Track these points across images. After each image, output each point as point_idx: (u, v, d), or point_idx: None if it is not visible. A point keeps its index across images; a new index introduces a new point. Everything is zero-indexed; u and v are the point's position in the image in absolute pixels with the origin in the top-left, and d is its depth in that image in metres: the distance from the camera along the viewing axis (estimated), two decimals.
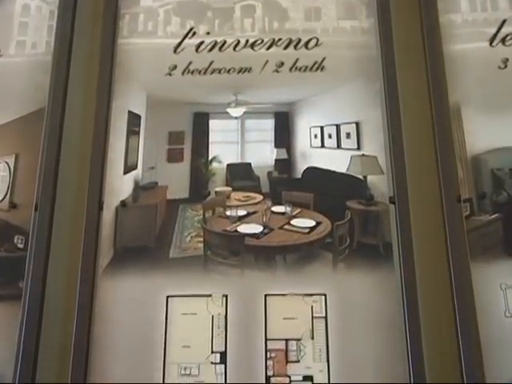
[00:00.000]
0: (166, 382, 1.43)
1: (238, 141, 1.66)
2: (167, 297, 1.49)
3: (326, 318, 1.47)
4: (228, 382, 1.42)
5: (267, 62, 1.67)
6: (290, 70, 1.66)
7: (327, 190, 1.61)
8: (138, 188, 1.61)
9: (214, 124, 1.67)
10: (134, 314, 1.48)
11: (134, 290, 1.51)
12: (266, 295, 1.49)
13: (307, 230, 1.57)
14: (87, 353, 1.44)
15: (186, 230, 1.58)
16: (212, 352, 1.44)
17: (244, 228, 1.57)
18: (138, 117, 1.64)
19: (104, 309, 1.49)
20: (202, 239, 1.56)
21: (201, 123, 1.66)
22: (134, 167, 1.62)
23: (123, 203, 1.59)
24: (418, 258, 1.49)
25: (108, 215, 1.57)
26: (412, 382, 1.39)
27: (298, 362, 1.43)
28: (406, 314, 1.45)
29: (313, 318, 1.47)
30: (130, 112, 1.64)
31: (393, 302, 1.48)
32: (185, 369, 1.43)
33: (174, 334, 1.46)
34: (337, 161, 1.62)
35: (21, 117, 1.62)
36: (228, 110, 1.65)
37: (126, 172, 1.62)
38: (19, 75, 1.68)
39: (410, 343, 1.42)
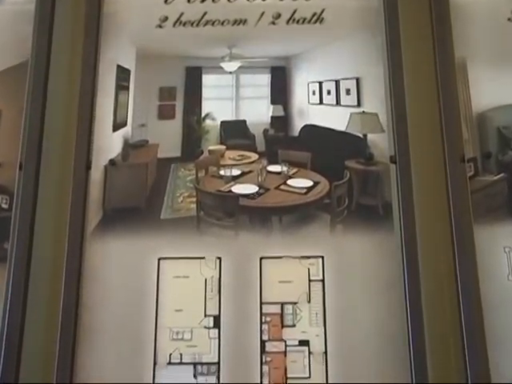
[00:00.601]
0: (157, 345, 1.37)
1: (233, 97, 1.59)
2: (159, 259, 1.44)
3: (323, 281, 1.42)
4: (222, 346, 1.37)
5: (263, 13, 1.58)
6: (288, 22, 1.58)
7: (325, 149, 1.54)
8: (128, 146, 1.55)
9: (207, 79, 1.59)
10: (124, 277, 1.43)
11: (124, 253, 1.45)
12: (261, 258, 1.44)
13: (304, 191, 1.51)
14: (76, 316, 1.38)
15: (177, 190, 1.52)
16: (205, 316, 1.40)
17: (238, 188, 1.51)
18: (128, 71, 1.56)
19: (93, 272, 1.43)
20: (194, 200, 1.50)
21: (193, 78, 1.58)
22: (124, 124, 1.55)
23: (112, 162, 1.52)
24: (419, 220, 1.44)
25: (96, 175, 1.51)
26: (411, 341, 1.34)
27: (294, 326, 1.39)
28: (406, 276, 1.40)
29: (309, 281, 1.42)
30: (118, 66, 1.56)
31: (392, 264, 1.43)
32: (177, 333, 1.38)
33: (166, 298, 1.41)
34: (336, 118, 1.55)
35: (2, 71, 1.54)
36: (222, 64, 1.57)
37: (114, 129, 1.55)
38: None
39: (410, 305, 1.38)
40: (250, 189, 1.51)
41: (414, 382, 1.32)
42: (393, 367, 1.35)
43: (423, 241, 1.43)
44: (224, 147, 1.56)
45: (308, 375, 1.35)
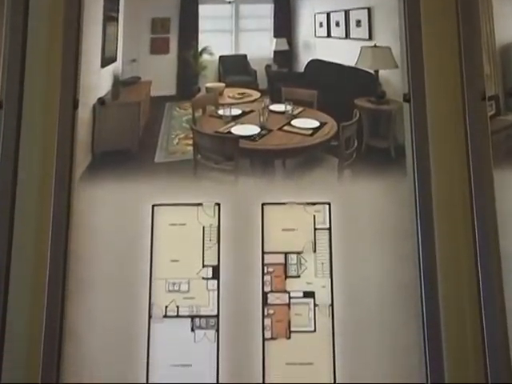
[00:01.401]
0: (152, 297, 1.29)
1: (232, 29, 1.45)
2: (153, 206, 1.34)
3: (329, 229, 1.33)
4: (221, 298, 1.28)
5: None
6: None
7: (333, 87, 1.42)
8: (118, 83, 1.42)
9: (204, 9, 1.45)
10: (116, 226, 1.33)
11: (115, 199, 1.35)
12: (263, 204, 1.33)
13: (310, 132, 1.39)
14: (64, 267, 1.29)
15: (173, 131, 1.40)
16: (203, 266, 1.30)
17: (239, 129, 1.40)
18: (116, 0, 1.42)
19: (82, 220, 1.34)
20: (191, 142, 1.39)
21: (189, 8, 1.44)
22: (113, 59, 1.42)
23: (101, 101, 1.40)
24: (435, 163, 1.33)
25: (84, 115, 1.39)
26: (423, 293, 1.26)
27: (299, 277, 1.30)
28: (419, 224, 1.30)
29: (315, 229, 1.32)
30: None
31: (405, 212, 1.33)
32: (173, 285, 1.29)
33: (161, 247, 1.32)
34: (345, 52, 1.43)
35: None
36: None
37: (103, 65, 1.42)
38: None
39: (423, 255, 1.28)
40: (251, 130, 1.39)
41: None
42: (403, 318, 1.27)
43: (438, 186, 1.32)
44: (223, 84, 1.44)
45: (313, 329, 1.27)
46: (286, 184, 1.35)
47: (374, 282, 1.30)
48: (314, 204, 1.33)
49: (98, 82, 1.41)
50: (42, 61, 1.38)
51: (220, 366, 1.25)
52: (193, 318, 1.28)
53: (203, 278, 1.29)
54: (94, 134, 1.39)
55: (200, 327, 1.27)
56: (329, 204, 1.34)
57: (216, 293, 1.29)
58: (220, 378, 1.24)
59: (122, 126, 1.40)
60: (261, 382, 1.25)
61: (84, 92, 1.39)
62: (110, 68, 1.42)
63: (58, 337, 1.25)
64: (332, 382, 1.25)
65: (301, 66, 1.44)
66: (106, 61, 1.42)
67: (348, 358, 1.26)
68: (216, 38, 1.45)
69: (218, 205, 1.34)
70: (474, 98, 1.34)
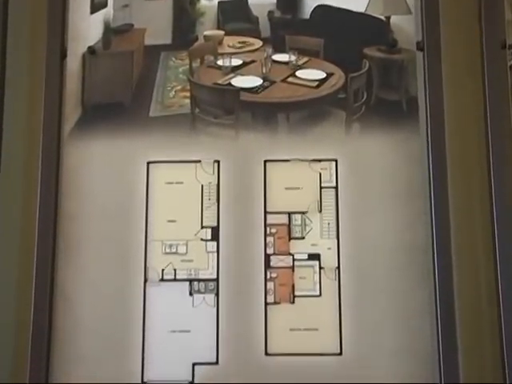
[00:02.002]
0: (147, 260, 1.21)
1: None
2: (148, 163, 1.26)
3: (336, 187, 1.24)
4: (221, 260, 1.21)
5: None
6: None
7: (341, 34, 1.32)
8: (109, 31, 1.32)
9: None
10: (109, 184, 1.25)
11: (107, 156, 1.26)
12: (265, 161, 1.25)
13: (316, 83, 1.30)
14: (54, 227, 1.21)
15: (168, 83, 1.31)
16: (202, 227, 1.23)
17: (239, 81, 1.30)
18: None
19: (72, 178, 1.25)
20: (188, 94, 1.30)
21: None
22: (104, 5, 1.32)
23: (91, 50, 1.30)
24: (449, 116, 1.24)
25: (73, 65, 1.29)
26: (435, 256, 1.18)
27: (303, 238, 1.22)
28: (432, 182, 1.22)
29: (321, 187, 1.24)
30: None
31: (416, 170, 1.24)
32: (170, 246, 1.22)
33: (157, 207, 1.24)
34: None
35: None
36: None
37: (93, 11, 1.32)
38: None
39: (435, 215, 1.20)
40: (253, 81, 1.30)
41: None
42: (413, 282, 1.20)
43: (453, 142, 1.24)
44: (222, 32, 1.34)
45: (318, 293, 1.20)
46: (289, 139, 1.27)
47: (383, 243, 1.22)
48: (319, 161, 1.25)
49: (87, 29, 1.31)
50: (27, 7, 1.28)
51: (220, 332, 1.18)
52: (191, 281, 1.21)
53: (202, 240, 1.22)
54: (84, 86, 1.30)
55: (199, 291, 1.20)
56: (335, 161, 1.25)
57: (215, 255, 1.21)
58: (220, 344, 1.18)
59: (114, 77, 1.30)
60: (263, 348, 1.18)
61: (72, 40, 1.29)
62: (101, 14, 1.32)
63: (47, 301, 1.18)
64: (338, 348, 1.18)
65: (306, 12, 1.33)
66: (96, 6, 1.32)
67: (355, 323, 1.19)
68: None
69: (218, 162, 1.25)
70: (493, 46, 1.24)
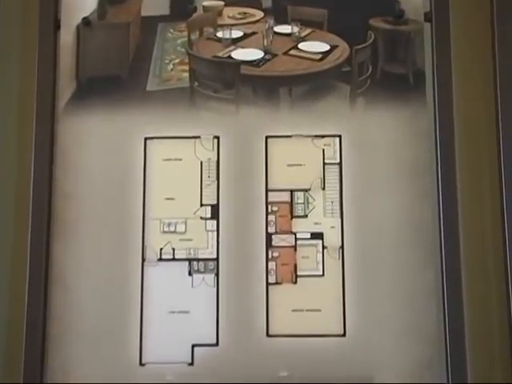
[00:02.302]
0: (145, 239, 1.18)
1: None
2: (145, 139, 1.21)
3: (340, 164, 1.20)
4: (221, 240, 1.18)
5: None
6: None
7: (345, 5, 1.27)
8: (105, 1, 1.27)
9: None
10: (105, 161, 1.21)
11: (103, 132, 1.22)
12: (266, 137, 1.21)
13: (319, 56, 1.25)
14: (49, 206, 1.18)
15: (166, 55, 1.26)
16: (201, 205, 1.19)
17: (240, 53, 1.25)
18: None
19: (67, 155, 1.21)
20: (187, 67, 1.25)
21: None
22: None
23: (86, 21, 1.25)
24: (458, 90, 1.20)
25: (67, 37, 1.25)
26: (443, 235, 1.15)
27: (306, 216, 1.18)
28: (440, 158, 1.18)
29: (324, 164, 1.20)
30: None
31: (423, 146, 1.20)
32: (168, 225, 1.18)
33: (155, 185, 1.20)
34: None
35: None
36: None
37: None
38: None
39: (443, 191, 1.17)
40: (254, 54, 1.25)
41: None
42: (420, 262, 1.16)
43: (462, 116, 1.20)
44: (222, 3, 1.29)
45: (321, 273, 1.17)
46: (292, 115, 1.22)
47: (389, 222, 1.18)
48: (323, 137, 1.21)
49: None
50: None
51: (220, 313, 1.15)
52: (190, 261, 1.17)
53: (201, 218, 1.18)
54: (79, 59, 1.25)
55: (198, 271, 1.17)
56: (339, 136, 1.21)
57: (215, 234, 1.18)
58: (220, 325, 1.15)
59: (110, 50, 1.25)
60: (264, 329, 1.15)
61: (66, 11, 1.25)
62: None
63: (43, 282, 1.15)
64: (342, 330, 1.15)
65: None
66: None
67: (359, 304, 1.15)
68: None
69: (217, 138, 1.21)
70: (505, 16, 1.19)
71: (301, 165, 1.20)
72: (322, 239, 1.17)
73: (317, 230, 1.18)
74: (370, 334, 1.14)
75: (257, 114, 1.22)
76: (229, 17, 1.28)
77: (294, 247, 1.17)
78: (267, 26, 1.26)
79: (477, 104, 1.20)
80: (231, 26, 1.27)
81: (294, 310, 1.15)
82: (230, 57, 1.24)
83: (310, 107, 1.22)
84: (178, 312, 1.15)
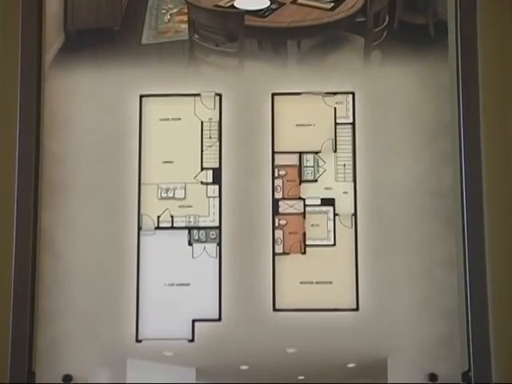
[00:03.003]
0: (141, 206, 1.09)
1: None
2: (140, 96, 1.12)
3: (353, 124, 1.11)
4: (223, 206, 1.09)
5: None
6: None
7: None
8: None
9: None
10: (97, 121, 1.12)
11: (95, 89, 1.12)
12: (273, 94, 1.11)
13: (330, 5, 1.14)
14: (36, 169, 1.09)
15: (163, 5, 1.15)
16: (202, 169, 1.10)
17: (244, 2, 1.14)
18: None
19: (55, 114, 1.12)
20: (185, 18, 1.14)
21: None
22: None
23: None
24: (483, 42, 1.11)
25: None
26: (465, 202, 1.06)
27: (316, 181, 1.10)
28: (462, 118, 1.08)
29: (336, 124, 1.11)
30: None
31: (444, 104, 1.10)
32: (166, 191, 1.09)
33: (151, 146, 1.11)
34: None
35: None
36: None
37: None
38: None
39: (465, 153, 1.07)
40: (259, 3, 1.14)
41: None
42: (439, 231, 1.07)
43: (487, 73, 1.10)
44: None
45: (333, 242, 1.08)
46: (301, 70, 1.12)
47: (406, 187, 1.09)
48: (334, 94, 1.11)
49: None
50: None
51: (223, 286, 1.07)
52: (190, 229, 1.09)
53: (202, 183, 1.10)
54: (67, 9, 1.14)
55: (199, 240, 1.08)
56: (353, 94, 1.11)
57: (217, 200, 1.09)
58: (223, 299, 1.07)
59: None
60: (271, 303, 1.07)
61: None
62: None
63: (31, 253, 1.06)
64: (354, 303, 1.07)
65: None
66: None
67: (373, 275, 1.07)
68: None
69: (219, 95, 1.12)
70: None
71: (310, 125, 1.11)
72: (334, 206, 1.09)
73: (328, 195, 1.09)
74: (384, 308, 1.06)
75: (262, 70, 1.12)
76: None
77: (303, 214, 1.09)
78: None
79: (503, 58, 1.10)
80: None
81: (302, 283, 1.07)
82: (232, 6, 1.14)
83: (321, 62, 1.12)
84: (177, 285, 1.07)
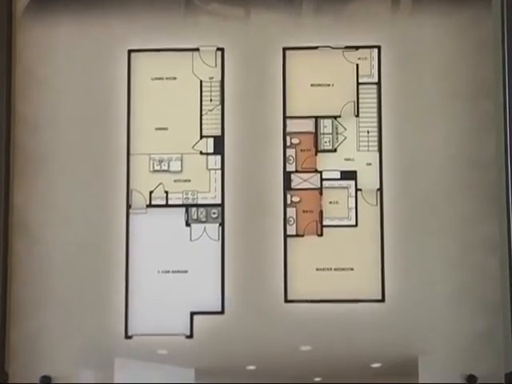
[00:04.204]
0: (131, 179, 0.94)
1: None
2: (129, 51, 0.96)
3: (378, 83, 0.96)
4: (226, 180, 0.95)
5: None
6: None
7: None
8: None
9: None
10: (79, 80, 0.96)
11: (75, 43, 0.97)
12: (284, 49, 0.96)
13: None
14: (8, 135, 0.94)
15: None
16: (201, 137, 0.95)
17: None
18: None
19: (30, 72, 0.97)
20: None
21: None
22: None
23: None
24: None
25: None
26: (509, 174, 0.91)
27: (335, 151, 0.95)
28: (507, 76, 0.92)
29: (358, 84, 0.95)
30: None
31: (486, 59, 0.95)
32: (160, 162, 0.95)
33: (142, 111, 0.96)
34: None
35: None
36: None
37: None
38: None
39: (510, 118, 0.92)
40: None
41: None
42: (479, 209, 0.92)
43: None
44: None
45: (354, 222, 0.94)
46: (317, 20, 0.96)
47: (440, 157, 0.94)
48: (357, 48, 0.96)
49: None
50: None
51: (226, 273, 0.93)
52: (188, 207, 0.94)
53: (202, 154, 0.95)
54: None
55: (198, 220, 0.94)
56: (378, 48, 0.96)
57: (219, 173, 0.94)
58: (226, 288, 0.93)
59: None
60: (282, 293, 0.93)
61: None
62: None
63: (3, 235, 0.92)
64: (380, 293, 0.93)
65: None
66: None
67: (401, 262, 0.92)
68: None
69: (222, 50, 0.96)
70: None
71: (328, 85, 0.96)
72: (355, 180, 0.94)
73: (348, 167, 0.94)
74: (414, 298, 0.92)
75: (272, 20, 0.96)
76: None
77: (320, 190, 0.94)
78: None
79: None
80: None
81: (319, 269, 0.93)
82: None
83: (341, 10, 0.96)
84: (172, 272, 0.94)
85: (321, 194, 0.94)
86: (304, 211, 0.93)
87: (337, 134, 0.95)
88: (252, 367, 0.91)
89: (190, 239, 0.93)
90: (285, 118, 0.95)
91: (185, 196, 0.94)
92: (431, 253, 0.92)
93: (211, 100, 0.95)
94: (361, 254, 0.93)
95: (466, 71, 0.95)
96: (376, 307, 0.92)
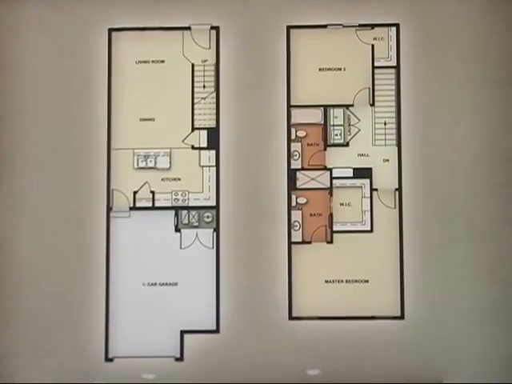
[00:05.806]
0: (111, 178, 0.84)
1: None
2: (109, 30, 0.86)
3: (397, 67, 0.85)
4: (222, 179, 0.84)
5: None
6: None
7: None
8: None
9: None
10: (51, 64, 0.86)
11: (50, 21, 0.86)
12: (288, 27, 0.85)
13: None
14: None
15: None
16: (193, 129, 0.85)
17: None
18: None
19: (1, 53, 0.84)
20: None
21: None
22: None
23: None
24: None
25: None
26: None
27: (346, 145, 0.84)
28: None
29: (374, 67, 0.85)
30: None
31: None
32: (145, 158, 0.85)
33: (125, 98, 0.85)
34: None
35: None
36: None
37: None
38: None
39: None
40: None
41: None
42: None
43: None
44: None
45: (369, 227, 0.83)
46: None
47: (468, 153, 0.83)
48: (372, 26, 0.85)
49: None
50: None
51: (221, 286, 0.83)
52: (178, 210, 0.84)
53: (193, 148, 0.84)
54: None
55: (189, 225, 0.83)
56: (397, 26, 0.85)
57: (214, 171, 0.84)
58: (221, 303, 0.83)
59: None
60: (286, 309, 0.83)
61: None
62: None
63: None
64: (398, 309, 0.83)
65: None
66: None
67: (423, 273, 0.82)
68: None
69: (216, 29, 0.85)
70: None
71: (339, 69, 0.85)
72: (371, 178, 0.84)
73: (362, 164, 0.84)
74: (437, 315, 0.82)
75: None
76: None
77: (330, 190, 0.84)
78: None
79: None
80: None
81: (328, 281, 0.83)
82: None
83: None
84: (160, 284, 0.84)
85: (331, 194, 0.84)
86: (311, 214, 0.83)
87: (349, 125, 0.84)
88: None
89: (180, 247, 0.83)
90: (289, 107, 0.84)
91: (174, 197, 0.84)
92: (457, 263, 0.82)
93: (204, 86, 0.85)
94: (376, 264, 0.83)
95: (497, 53, 0.84)
96: (394, 325, 0.82)
